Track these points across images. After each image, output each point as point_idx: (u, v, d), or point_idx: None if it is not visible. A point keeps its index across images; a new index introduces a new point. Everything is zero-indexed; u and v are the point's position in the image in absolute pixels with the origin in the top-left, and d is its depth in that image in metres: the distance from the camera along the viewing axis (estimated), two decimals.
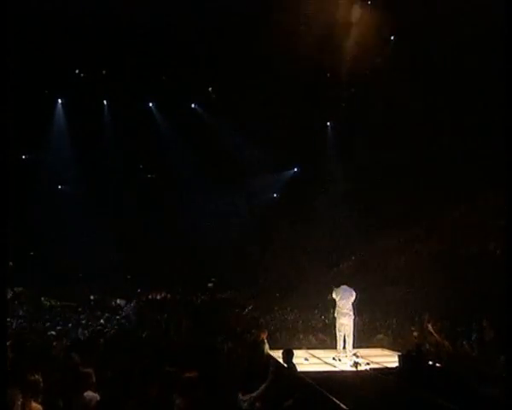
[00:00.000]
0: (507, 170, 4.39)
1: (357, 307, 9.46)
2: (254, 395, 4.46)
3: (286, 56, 18.46)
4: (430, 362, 7.22)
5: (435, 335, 9.41)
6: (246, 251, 26.10)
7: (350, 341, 8.72)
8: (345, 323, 8.69)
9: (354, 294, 8.92)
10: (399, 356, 7.63)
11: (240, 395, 4.69)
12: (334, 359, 8.48)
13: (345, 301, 8.76)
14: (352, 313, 8.78)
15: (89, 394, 3.89)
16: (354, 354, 8.49)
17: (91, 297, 20.62)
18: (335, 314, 9.02)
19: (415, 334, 10.81)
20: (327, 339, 11.74)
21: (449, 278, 15.29)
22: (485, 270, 13.83)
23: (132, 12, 17.12)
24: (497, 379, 5.14)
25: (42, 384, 3.90)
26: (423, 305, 14.12)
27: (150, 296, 22.35)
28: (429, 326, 9.95)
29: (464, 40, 16.13)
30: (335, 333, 8.98)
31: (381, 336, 11.01)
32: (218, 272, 26.74)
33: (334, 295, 9.03)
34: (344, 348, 8.82)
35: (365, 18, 17.82)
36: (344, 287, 9.01)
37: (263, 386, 4.53)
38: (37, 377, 4.05)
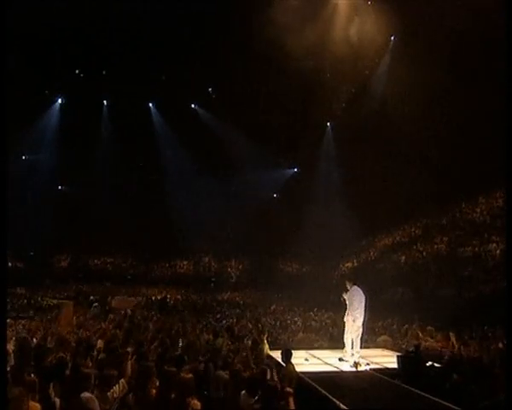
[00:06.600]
0: (507, 170, 4.39)
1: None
2: (255, 396, 4.46)
3: (286, 56, 18.48)
4: (429, 362, 7.21)
5: (429, 339, 9.38)
6: (246, 249, 26.17)
7: (350, 342, 8.64)
8: (359, 325, 8.50)
9: (364, 295, 8.62)
10: (398, 357, 7.61)
11: (242, 395, 4.69)
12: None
13: (357, 302, 8.54)
14: (362, 315, 8.53)
15: (85, 394, 3.89)
16: (353, 355, 8.44)
17: (91, 298, 20.58)
18: (347, 317, 8.69)
19: (415, 333, 10.83)
20: (326, 339, 11.74)
21: (449, 277, 15.33)
22: (485, 270, 13.88)
23: (132, 12, 17.13)
24: (496, 379, 5.15)
25: (38, 385, 3.91)
26: (423, 305, 14.15)
27: (151, 296, 22.31)
28: (420, 333, 9.90)
29: (464, 40, 16.16)
30: (348, 336, 8.68)
31: (384, 337, 10.95)
32: (218, 270, 26.82)
33: (346, 297, 8.74)
34: (343, 348, 8.77)
35: (366, 18, 17.86)
36: (355, 288, 8.73)
37: (263, 387, 4.53)
38: (33, 376, 4.07)
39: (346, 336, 8.71)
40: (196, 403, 4.09)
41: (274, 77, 20.23)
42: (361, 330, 8.52)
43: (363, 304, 8.55)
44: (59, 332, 10.19)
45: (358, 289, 8.64)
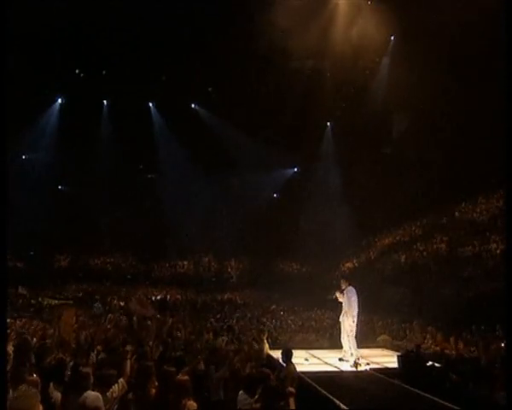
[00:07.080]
0: (507, 170, 4.39)
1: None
2: (255, 396, 4.45)
3: (286, 56, 18.49)
4: (429, 362, 7.21)
5: (429, 339, 9.39)
6: (246, 249, 26.15)
7: (347, 342, 8.65)
8: (353, 325, 8.52)
9: (357, 295, 8.66)
10: (398, 356, 7.62)
11: (240, 395, 4.68)
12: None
13: (355, 302, 8.57)
14: (356, 314, 8.54)
15: (90, 393, 3.89)
16: (352, 354, 8.45)
17: (95, 297, 20.58)
18: (342, 318, 8.69)
19: (415, 333, 10.84)
20: (325, 339, 11.75)
21: (449, 277, 15.32)
22: (485, 270, 13.87)
23: (132, 12, 17.12)
24: (495, 379, 5.15)
25: (40, 385, 3.90)
26: (423, 305, 14.15)
27: (151, 296, 22.30)
28: (420, 334, 9.91)
29: (464, 39, 16.15)
30: (344, 335, 8.67)
31: (384, 336, 10.98)
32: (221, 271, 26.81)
33: (342, 297, 8.76)
34: (343, 348, 8.77)
35: (366, 18, 17.86)
36: (351, 288, 8.76)
37: (263, 387, 4.51)
38: (35, 377, 4.06)
39: (342, 335, 8.75)
40: (192, 404, 4.08)
41: (274, 77, 20.20)
42: (355, 329, 8.57)
43: (357, 304, 8.61)
44: (59, 332, 10.20)
45: (353, 289, 8.69)
